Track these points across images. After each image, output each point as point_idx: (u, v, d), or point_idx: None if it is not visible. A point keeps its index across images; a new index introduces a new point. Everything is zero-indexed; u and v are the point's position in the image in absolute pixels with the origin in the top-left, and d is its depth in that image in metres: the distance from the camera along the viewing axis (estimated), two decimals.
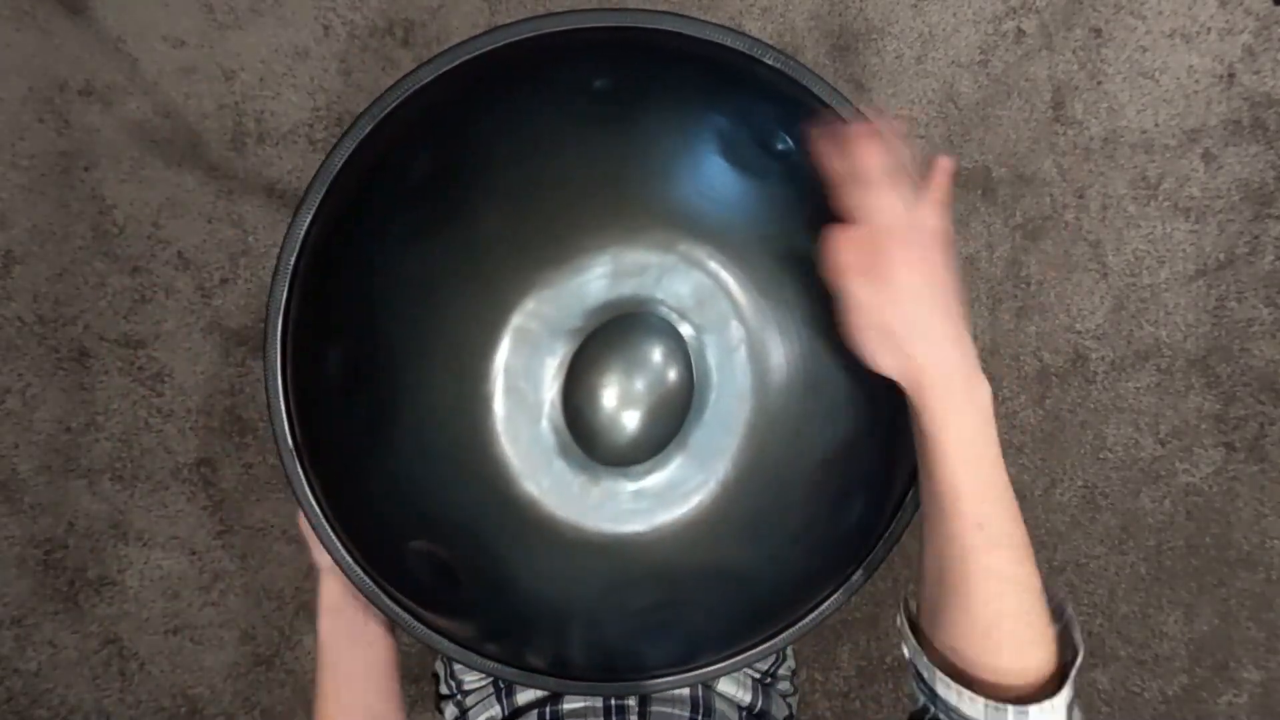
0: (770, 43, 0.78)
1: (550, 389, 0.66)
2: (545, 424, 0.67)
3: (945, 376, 0.63)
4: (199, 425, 1.83)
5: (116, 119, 1.78)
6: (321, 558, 0.87)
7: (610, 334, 0.66)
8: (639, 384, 0.67)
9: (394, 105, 0.78)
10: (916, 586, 0.71)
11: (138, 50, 1.77)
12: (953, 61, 1.86)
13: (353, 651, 0.91)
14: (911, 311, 0.63)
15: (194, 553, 1.84)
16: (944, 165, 0.68)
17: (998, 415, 0.66)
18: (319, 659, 0.91)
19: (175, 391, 1.83)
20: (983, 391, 0.63)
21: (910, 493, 0.84)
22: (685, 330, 0.67)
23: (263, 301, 1.76)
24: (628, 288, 0.66)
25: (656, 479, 0.68)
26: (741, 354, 0.67)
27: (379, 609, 0.84)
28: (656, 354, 0.67)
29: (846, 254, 0.64)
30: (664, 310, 0.66)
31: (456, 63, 0.78)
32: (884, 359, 0.64)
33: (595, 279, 0.65)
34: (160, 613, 1.85)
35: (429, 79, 0.78)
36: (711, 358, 0.67)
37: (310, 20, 1.79)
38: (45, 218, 1.78)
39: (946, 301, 0.64)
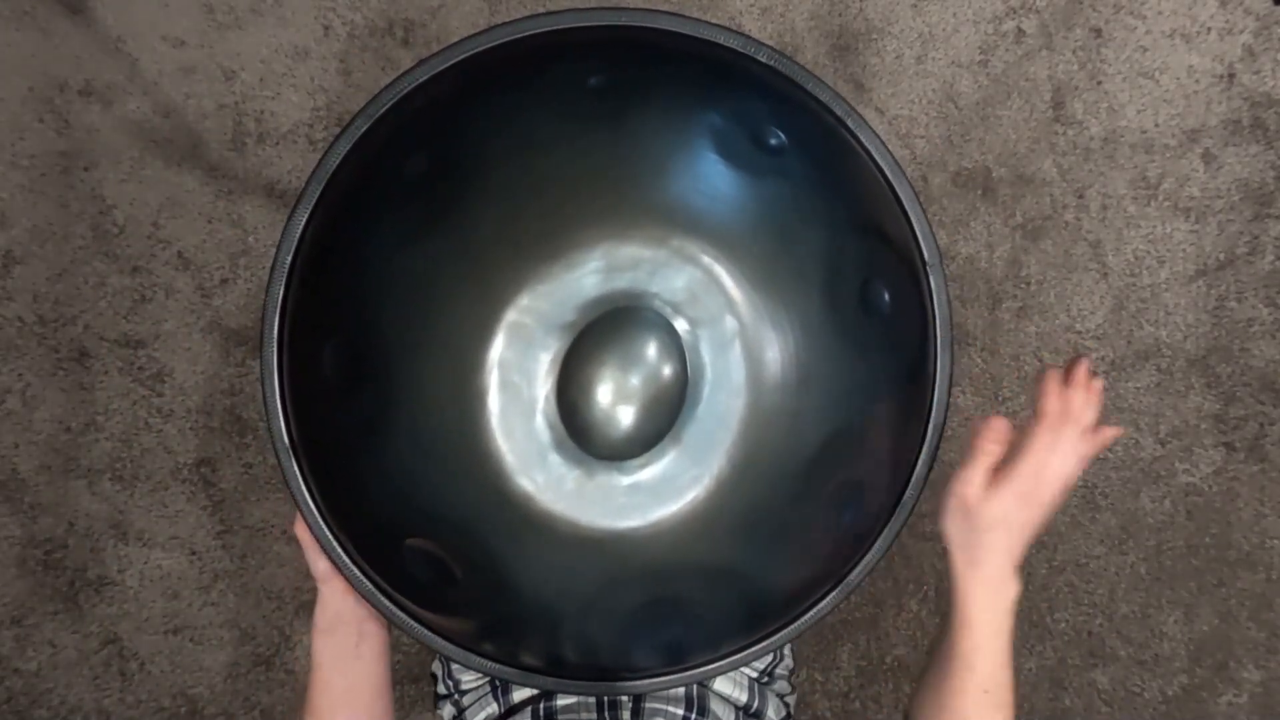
0: (765, 41, 0.78)
1: (544, 384, 0.66)
2: (540, 419, 0.67)
3: (992, 580, 0.78)
4: (199, 425, 1.84)
5: (116, 119, 1.78)
6: (318, 565, 0.86)
7: (604, 329, 0.66)
8: (633, 378, 0.67)
9: (390, 104, 0.79)
10: (915, 697, 0.84)
11: (138, 50, 1.77)
12: (953, 61, 1.86)
13: (346, 670, 0.91)
14: (1000, 533, 0.77)
15: (194, 553, 1.84)
16: (1114, 434, 0.83)
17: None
18: (311, 677, 0.91)
19: (175, 391, 1.83)
20: (1012, 593, 0.78)
21: (908, 490, 0.84)
22: (679, 325, 0.67)
23: (263, 302, 1.76)
24: (621, 282, 0.66)
25: (651, 473, 0.68)
26: (736, 348, 0.67)
27: (375, 607, 0.84)
28: (650, 348, 0.67)
29: (985, 476, 0.78)
30: (658, 305, 0.66)
31: (452, 62, 0.78)
32: (957, 549, 0.79)
33: (589, 274, 0.65)
34: (160, 613, 1.85)
35: (425, 78, 0.79)
36: (705, 352, 0.67)
37: (310, 20, 1.80)
38: (45, 218, 1.78)
39: (1028, 529, 0.78)
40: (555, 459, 0.67)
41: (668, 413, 0.67)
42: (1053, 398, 0.78)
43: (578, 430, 0.67)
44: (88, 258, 1.79)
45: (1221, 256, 1.88)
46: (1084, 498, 1.92)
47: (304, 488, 0.81)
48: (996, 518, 0.77)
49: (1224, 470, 1.92)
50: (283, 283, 0.79)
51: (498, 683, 1.04)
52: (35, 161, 1.77)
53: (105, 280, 1.80)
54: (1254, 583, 1.93)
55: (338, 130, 0.77)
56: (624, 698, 0.97)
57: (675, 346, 0.67)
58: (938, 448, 0.83)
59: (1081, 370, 0.80)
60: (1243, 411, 1.91)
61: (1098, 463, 1.91)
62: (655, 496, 0.68)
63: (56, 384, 1.80)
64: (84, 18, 1.76)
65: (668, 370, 0.67)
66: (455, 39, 0.78)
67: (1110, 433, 0.81)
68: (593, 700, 0.97)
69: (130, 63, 1.77)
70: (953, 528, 0.79)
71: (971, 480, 0.78)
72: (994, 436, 0.79)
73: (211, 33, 1.78)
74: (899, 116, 1.87)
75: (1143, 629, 1.94)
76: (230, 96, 1.80)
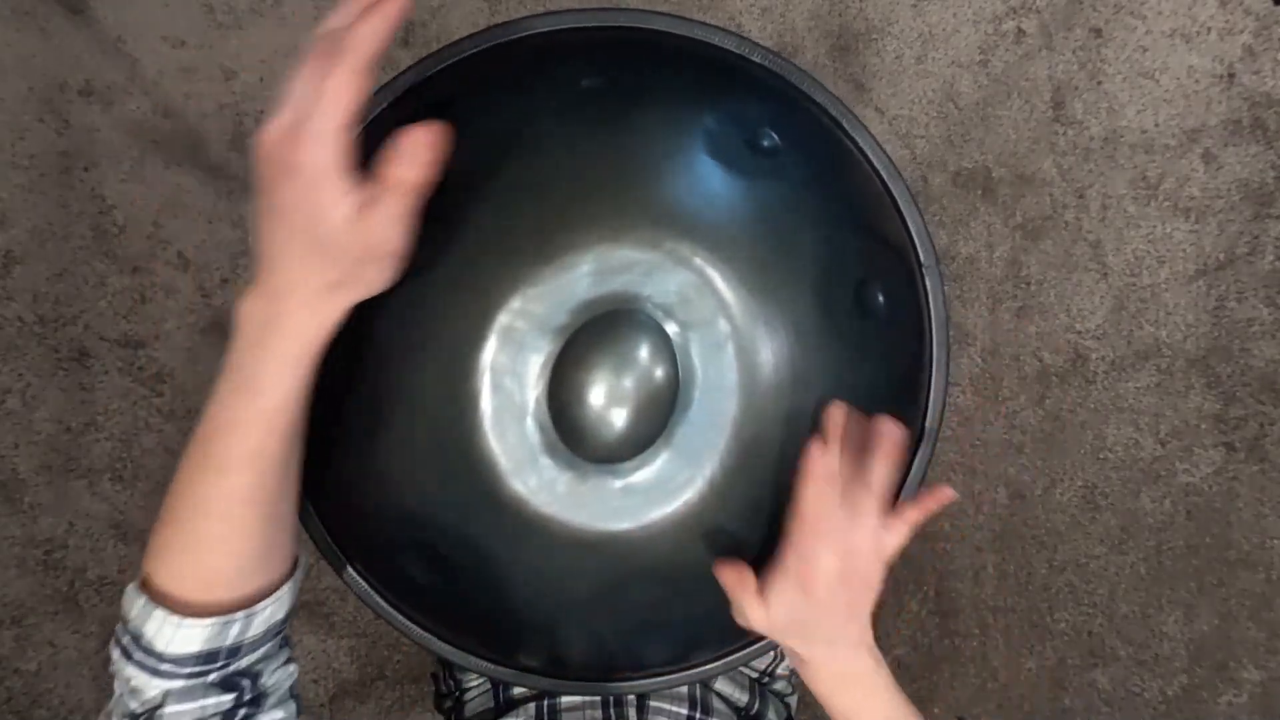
0: (766, 43, 0.78)
1: (536, 387, 0.66)
2: (531, 422, 0.67)
3: (834, 671, 0.71)
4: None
5: (116, 119, 1.78)
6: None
7: (596, 331, 0.66)
8: (625, 381, 0.67)
9: (384, 106, 0.79)
10: None
11: (138, 50, 1.77)
12: (953, 61, 1.86)
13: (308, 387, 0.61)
14: (823, 619, 0.69)
15: None
16: (941, 497, 0.72)
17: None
18: (252, 404, 0.59)
19: (175, 391, 1.83)
20: (860, 667, 0.71)
21: (902, 492, 0.84)
22: (671, 327, 0.67)
23: None
24: (614, 285, 0.66)
25: (644, 476, 0.68)
26: (728, 351, 0.67)
27: (372, 609, 0.84)
28: (642, 351, 0.66)
29: (793, 558, 0.68)
30: (650, 307, 0.66)
31: (446, 63, 0.78)
32: (789, 640, 0.71)
33: (581, 277, 0.65)
34: None
35: (418, 79, 0.79)
36: (697, 355, 0.67)
37: (310, 20, 1.80)
38: (45, 218, 1.78)
39: (858, 610, 0.70)
40: (547, 462, 0.67)
41: (660, 415, 0.67)
42: (811, 484, 0.66)
43: (570, 433, 0.67)
44: (88, 258, 1.79)
45: (1221, 256, 1.88)
46: (1084, 498, 1.92)
47: (301, 487, 0.81)
48: (779, 628, 0.70)
49: (1224, 470, 1.92)
50: None
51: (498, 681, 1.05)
52: (35, 161, 1.77)
53: (105, 280, 1.80)
54: (1254, 583, 1.93)
55: None
56: (628, 695, 0.97)
57: (667, 349, 0.67)
58: (933, 450, 0.83)
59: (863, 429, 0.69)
60: (1243, 411, 1.90)
61: (1098, 463, 1.91)
62: (648, 499, 0.68)
63: (56, 384, 1.80)
64: (84, 18, 1.76)
65: (660, 373, 0.67)
66: (455, 39, 0.78)
67: (940, 497, 0.71)
68: (597, 697, 0.97)
69: (130, 63, 1.77)
70: (776, 629, 0.71)
71: (742, 611, 0.71)
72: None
73: (211, 33, 1.79)
74: (899, 116, 1.87)
75: (1143, 629, 1.94)
76: (230, 96, 1.80)
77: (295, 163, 0.53)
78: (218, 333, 1.82)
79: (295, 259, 0.56)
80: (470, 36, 0.78)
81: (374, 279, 0.59)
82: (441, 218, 0.67)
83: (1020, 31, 1.86)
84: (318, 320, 0.58)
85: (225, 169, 1.80)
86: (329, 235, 0.54)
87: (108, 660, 0.66)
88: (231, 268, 1.82)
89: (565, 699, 0.99)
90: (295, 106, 0.53)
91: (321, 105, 0.52)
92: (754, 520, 0.72)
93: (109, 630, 1.80)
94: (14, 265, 1.78)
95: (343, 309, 0.59)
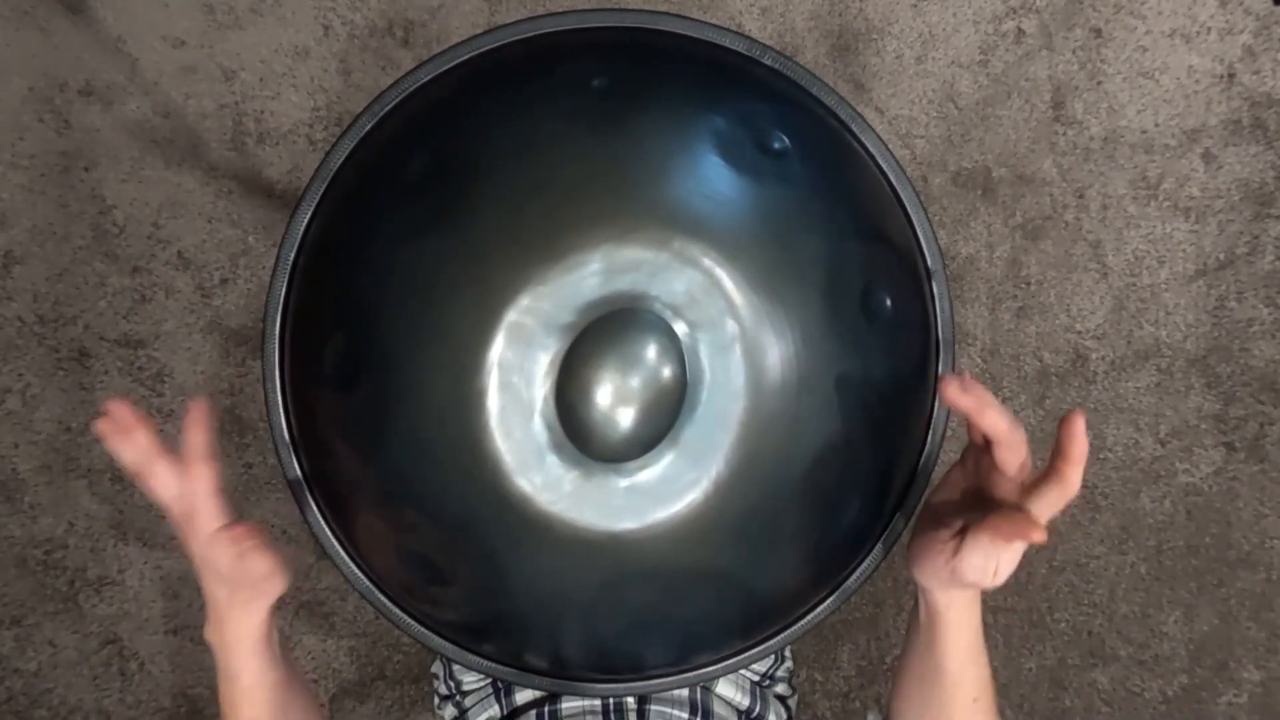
0: (769, 43, 0.78)
1: (543, 385, 0.66)
2: (538, 420, 0.66)
3: (968, 605, 0.79)
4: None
5: (116, 119, 1.78)
6: (192, 488, 0.80)
7: (603, 330, 0.66)
8: (632, 380, 0.66)
9: (393, 104, 0.79)
10: (894, 701, 0.88)
11: (138, 50, 1.77)
12: (953, 61, 1.86)
13: (278, 664, 0.83)
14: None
15: None
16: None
17: None
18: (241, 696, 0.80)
19: (175, 391, 1.83)
20: (979, 607, 0.81)
21: (909, 494, 0.84)
22: (679, 328, 0.67)
23: (263, 301, 1.76)
24: (622, 284, 0.66)
25: (649, 476, 0.68)
26: (736, 352, 0.67)
27: (373, 605, 0.84)
28: (650, 351, 0.66)
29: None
30: (658, 307, 0.66)
31: (455, 62, 0.78)
32: (937, 589, 0.79)
33: (589, 275, 0.65)
34: (160, 613, 1.85)
35: (428, 78, 0.79)
36: (705, 355, 0.67)
37: (310, 20, 1.80)
38: (45, 218, 1.78)
39: None
40: (553, 460, 0.67)
41: (666, 415, 0.67)
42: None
43: (576, 432, 0.67)
44: (88, 258, 1.79)
45: (1221, 256, 1.88)
46: (1084, 498, 1.92)
47: (304, 484, 0.81)
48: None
49: (1224, 470, 1.92)
50: (285, 280, 0.79)
51: (500, 684, 1.04)
52: (35, 161, 1.77)
53: (105, 280, 1.80)
54: (1254, 583, 1.93)
55: (338, 130, 0.77)
56: (629, 701, 0.97)
57: (675, 349, 0.67)
58: (939, 451, 0.83)
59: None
60: (1243, 411, 1.91)
61: (1098, 463, 1.91)
62: (653, 499, 0.68)
63: (56, 384, 1.80)
64: (84, 18, 1.76)
65: (667, 373, 0.67)
66: (455, 39, 0.78)
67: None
68: (598, 704, 0.97)
69: (130, 63, 1.77)
70: (935, 583, 0.78)
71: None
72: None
73: (211, 33, 1.78)
74: (899, 116, 1.87)
75: (1143, 629, 1.94)
76: (230, 96, 1.80)
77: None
78: (218, 333, 1.82)
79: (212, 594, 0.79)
80: (476, 37, 0.78)
81: (266, 590, 0.80)
82: (451, 215, 0.67)
83: (1020, 31, 1.86)
84: (249, 622, 0.79)
85: (225, 169, 1.80)
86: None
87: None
88: (231, 267, 1.82)
89: (565, 705, 0.99)
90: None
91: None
92: (758, 522, 0.72)
93: (109, 630, 1.81)
94: (14, 265, 1.78)
95: (257, 612, 0.80)
